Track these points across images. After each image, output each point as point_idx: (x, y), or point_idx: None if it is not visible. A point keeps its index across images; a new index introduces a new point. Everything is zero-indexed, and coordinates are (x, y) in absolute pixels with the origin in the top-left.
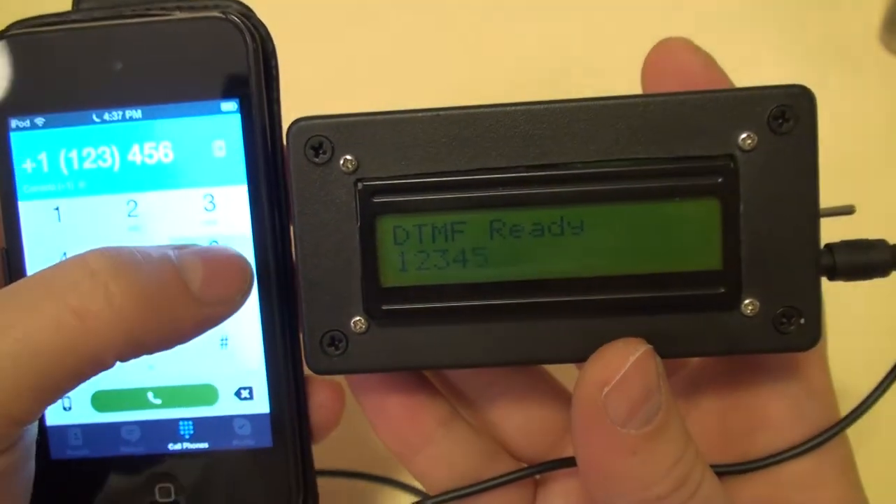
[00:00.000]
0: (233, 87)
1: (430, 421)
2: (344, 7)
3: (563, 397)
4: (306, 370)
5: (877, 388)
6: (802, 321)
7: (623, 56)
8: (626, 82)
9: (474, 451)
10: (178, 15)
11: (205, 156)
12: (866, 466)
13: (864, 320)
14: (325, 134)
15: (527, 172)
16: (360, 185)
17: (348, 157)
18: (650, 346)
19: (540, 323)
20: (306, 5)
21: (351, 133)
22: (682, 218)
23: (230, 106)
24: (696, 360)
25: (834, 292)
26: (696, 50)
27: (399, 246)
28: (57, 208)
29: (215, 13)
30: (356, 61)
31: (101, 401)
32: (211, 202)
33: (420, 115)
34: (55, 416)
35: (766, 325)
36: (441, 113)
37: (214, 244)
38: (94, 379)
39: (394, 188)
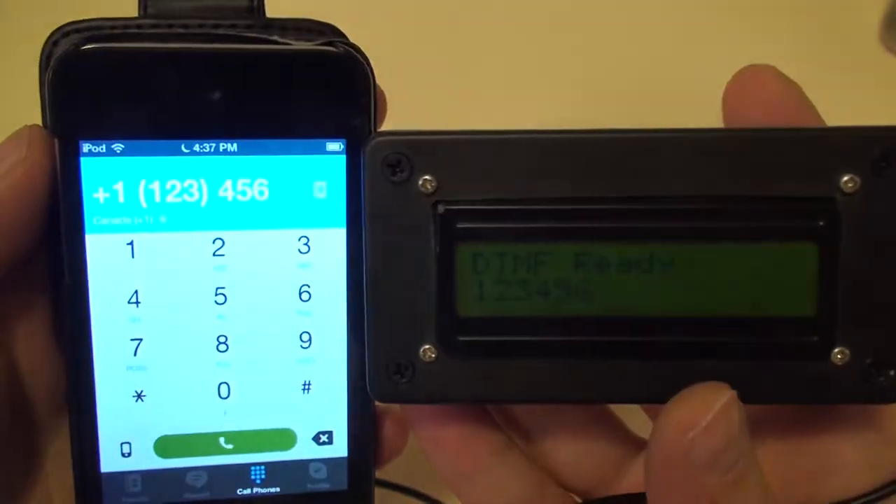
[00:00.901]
0: (341, 127)
1: (486, 450)
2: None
3: (618, 431)
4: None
5: None
6: (892, 373)
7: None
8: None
9: (527, 482)
10: (290, 46)
11: (303, 196)
12: None
13: None
14: (405, 151)
15: (617, 205)
16: (440, 209)
17: (428, 177)
18: (735, 392)
19: (620, 361)
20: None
21: (432, 152)
22: (777, 261)
23: (336, 146)
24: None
25: None
26: (785, 79)
27: (478, 275)
28: (131, 243)
29: (328, 47)
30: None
31: (166, 447)
32: (306, 244)
33: (506, 137)
34: (111, 462)
35: (856, 375)
36: (529, 136)
37: (306, 288)
38: (159, 423)
39: (476, 214)
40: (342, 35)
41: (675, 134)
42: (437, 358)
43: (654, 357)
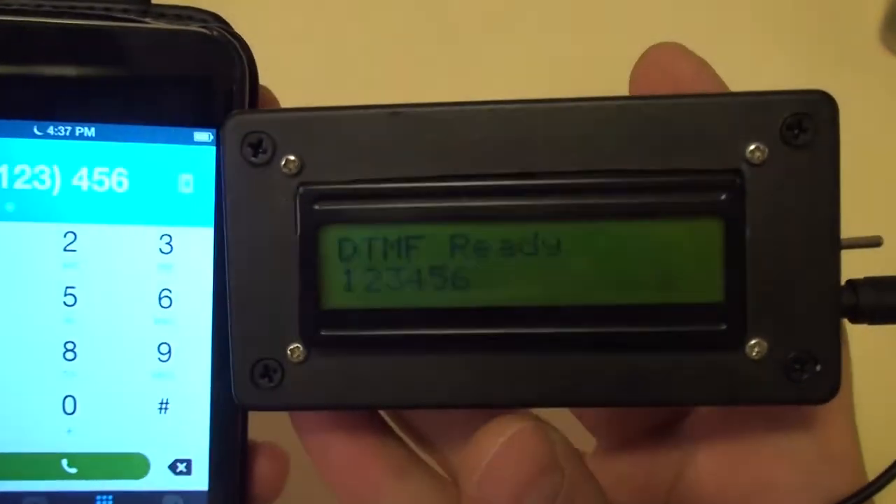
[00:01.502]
0: (211, 115)
1: (380, 470)
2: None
3: None
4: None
5: None
6: (818, 368)
7: (611, 63)
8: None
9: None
10: (152, 24)
11: (167, 190)
12: None
13: (890, 370)
14: (266, 130)
15: (496, 181)
16: (301, 189)
17: (291, 157)
18: (533, 423)
19: (506, 358)
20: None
21: (295, 130)
22: (676, 240)
23: (205, 137)
24: (696, 411)
25: (856, 336)
26: (688, 55)
27: (345, 262)
28: None
29: (196, 26)
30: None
31: (2, 466)
32: (168, 244)
33: (375, 111)
34: None
35: (775, 372)
36: (400, 110)
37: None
38: None
39: (341, 194)
40: (226, 23)
41: (561, 103)
42: (305, 358)
43: (543, 353)
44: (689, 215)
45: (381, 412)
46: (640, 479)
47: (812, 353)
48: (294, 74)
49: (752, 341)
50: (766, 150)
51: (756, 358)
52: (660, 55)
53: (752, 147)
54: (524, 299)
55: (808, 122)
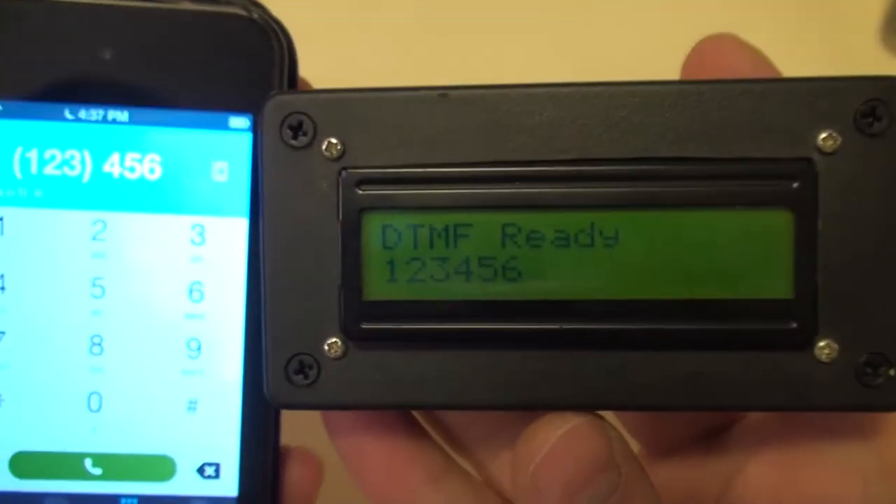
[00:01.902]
0: (247, 101)
1: (416, 477)
2: None
3: None
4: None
5: None
6: (892, 373)
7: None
8: None
9: None
10: (189, 5)
11: (200, 178)
12: None
13: None
14: (307, 111)
15: (550, 167)
16: (343, 174)
17: (333, 140)
18: (592, 418)
19: (557, 356)
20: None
21: (338, 112)
22: (743, 232)
23: (241, 123)
24: (750, 416)
25: None
26: (744, 46)
27: (388, 250)
28: (0, 218)
29: (235, 9)
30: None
31: (24, 464)
32: (200, 234)
33: (423, 93)
34: None
35: (846, 376)
36: (449, 92)
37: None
38: (16, 435)
39: (385, 178)
40: (264, 7)
41: (620, 87)
42: (344, 353)
43: (596, 350)
44: (756, 205)
45: (418, 417)
46: (685, 488)
47: (886, 356)
48: (322, 63)
49: (823, 342)
50: (839, 138)
51: (826, 360)
52: (713, 47)
53: (823, 135)
54: (578, 293)
55: (882, 110)
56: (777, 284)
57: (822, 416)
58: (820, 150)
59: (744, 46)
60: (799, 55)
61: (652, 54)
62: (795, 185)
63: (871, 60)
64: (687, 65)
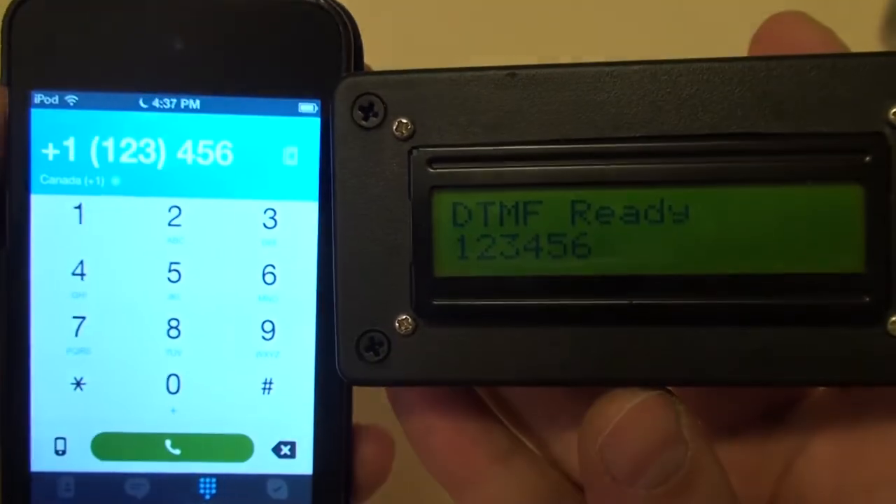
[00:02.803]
0: (316, 86)
1: (483, 456)
2: None
3: None
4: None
5: None
6: None
7: None
8: None
9: (536, 493)
10: None
11: (271, 163)
12: None
13: None
14: (378, 92)
15: (620, 144)
16: (414, 153)
17: (403, 119)
18: (660, 393)
19: (626, 331)
20: None
21: (408, 92)
22: (813, 207)
23: (310, 108)
24: (813, 395)
25: None
26: (813, 23)
27: (459, 228)
28: (79, 206)
29: None
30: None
31: (106, 446)
32: (272, 218)
33: (492, 72)
34: (43, 460)
35: None
36: (518, 71)
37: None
38: (99, 417)
39: (455, 157)
40: None
41: (689, 64)
42: (414, 330)
43: (666, 325)
44: (827, 180)
45: (486, 399)
46: (747, 467)
47: None
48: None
49: (894, 318)
50: None
51: None
52: (781, 25)
53: (894, 109)
54: (648, 268)
55: None
56: (849, 259)
57: (887, 395)
58: (891, 125)
59: (812, 23)
60: None
61: (655, 54)
62: (867, 159)
63: None
64: (755, 41)
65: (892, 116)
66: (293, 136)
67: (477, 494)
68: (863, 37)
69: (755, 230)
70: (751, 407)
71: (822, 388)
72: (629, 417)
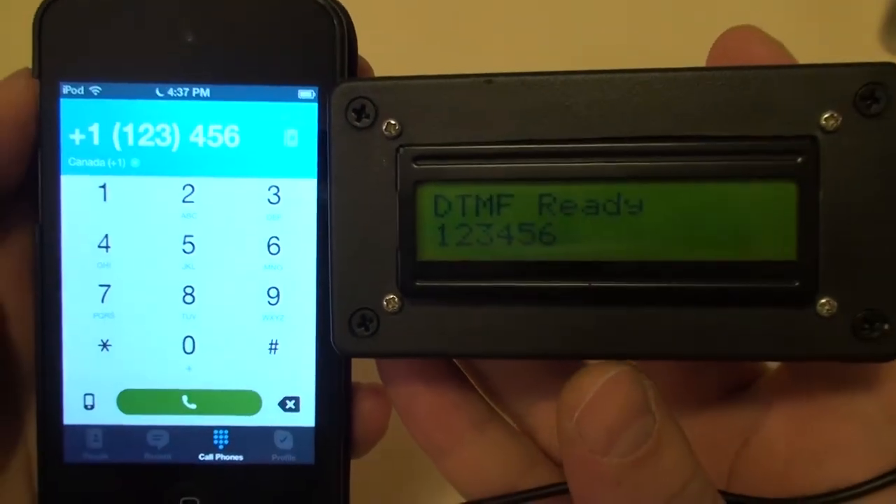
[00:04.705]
0: (314, 74)
1: (461, 422)
2: None
3: None
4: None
5: None
6: (886, 327)
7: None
8: None
9: (510, 459)
10: None
11: (275, 144)
12: None
13: None
14: (369, 96)
15: (582, 144)
16: (401, 151)
17: (392, 121)
18: (629, 367)
19: (587, 311)
20: None
21: (396, 96)
22: (752, 202)
23: (308, 94)
24: (767, 374)
25: None
26: (765, 38)
27: (439, 217)
28: (103, 186)
29: None
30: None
31: (129, 401)
32: (276, 195)
33: (471, 80)
34: (74, 414)
35: (844, 329)
36: (494, 79)
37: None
38: (123, 375)
39: (437, 154)
40: None
41: (643, 74)
42: (400, 308)
43: (622, 305)
44: (765, 178)
45: (465, 371)
46: (708, 440)
47: (880, 312)
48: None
49: (823, 300)
50: (840, 118)
51: (826, 315)
52: (736, 39)
53: (826, 115)
54: (606, 255)
55: (880, 93)
56: (782, 248)
57: (832, 370)
58: (822, 129)
59: (764, 37)
60: (799, 55)
61: (655, 55)
62: (800, 159)
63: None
64: (712, 53)
65: (823, 122)
66: (294, 119)
67: (455, 458)
68: (863, 37)
69: (702, 222)
70: (713, 385)
71: (775, 367)
72: (604, 390)
